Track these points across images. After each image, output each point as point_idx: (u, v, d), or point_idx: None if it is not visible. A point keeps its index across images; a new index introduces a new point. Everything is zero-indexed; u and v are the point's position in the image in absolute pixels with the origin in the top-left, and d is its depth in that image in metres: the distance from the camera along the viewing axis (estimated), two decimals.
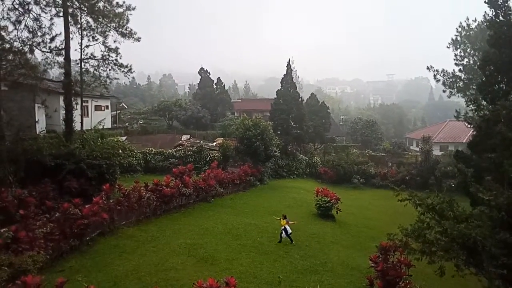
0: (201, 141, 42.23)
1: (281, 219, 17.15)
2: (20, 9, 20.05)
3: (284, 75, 42.22)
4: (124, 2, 24.39)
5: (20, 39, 20.12)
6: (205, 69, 64.46)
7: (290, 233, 16.98)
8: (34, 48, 20.77)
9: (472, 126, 18.08)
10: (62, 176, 19.19)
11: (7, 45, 19.13)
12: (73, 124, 23.31)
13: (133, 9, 24.89)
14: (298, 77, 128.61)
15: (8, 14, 19.72)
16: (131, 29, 24.99)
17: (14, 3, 19.75)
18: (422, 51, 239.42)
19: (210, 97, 62.32)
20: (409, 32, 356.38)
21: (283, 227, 16.87)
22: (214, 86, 64.39)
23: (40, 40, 21.00)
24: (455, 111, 25.18)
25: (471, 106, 18.39)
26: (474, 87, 33.48)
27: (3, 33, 18.98)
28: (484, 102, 18.60)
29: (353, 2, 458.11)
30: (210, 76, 64.94)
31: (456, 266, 10.24)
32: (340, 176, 38.93)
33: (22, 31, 20.20)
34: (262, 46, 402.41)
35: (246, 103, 76.22)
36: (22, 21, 20.20)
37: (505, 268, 9.14)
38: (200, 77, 65.12)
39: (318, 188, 24.83)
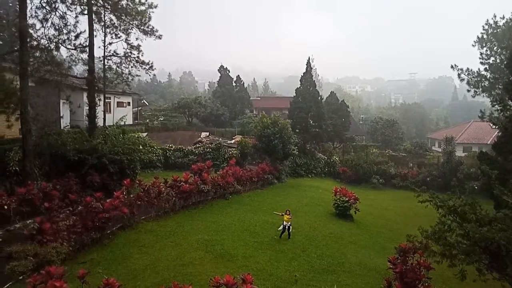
0: (220, 139, 42.50)
1: (284, 215, 17.02)
2: (47, 7, 20.63)
3: (304, 73, 41.98)
4: (146, 0, 24.81)
5: (47, 36, 20.69)
6: (224, 67, 64.77)
7: (285, 229, 16.94)
8: (60, 45, 21.32)
9: (497, 126, 17.62)
10: (85, 170, 19.70)
11: (35, 43, 19.70)
12: (96, 119, 23.90)
13: (155, 7, 25.31)
14: (318, 75, 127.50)
15: (36, 12, 20.37)
16: (153, 27, 25.43)
17: (42, 1, 20.33)
18: (447, 49, 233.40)
19: (229, 95, 62.58)
20: (434, 30, 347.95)
21: (289, 223, 16.84)
22: (234, 84, 64.61)
23: (66, 38, 21.57)
24: (479, 111, 24.52)
25: (496, 106, 17.91)
26: (500, 86, 32.56)
27: (31, 31, 19.55)
28: (510, 102, 18.04)
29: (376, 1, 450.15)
30: (229, 74, 65.20)
31: (478, 270, 9.98)
32: (359, 176, 38.47)
33: (48, 28, 20.78)
34: (281, 44, 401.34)
35: (265, 101, 76.19)
36: (49, 19, 20.77)
37: None
38: (219, 74, 65.48)
39: (337, 187, 24.61)
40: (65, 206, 15.82)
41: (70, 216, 14.41)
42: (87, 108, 23.86)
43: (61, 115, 27.59)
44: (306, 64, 41.69)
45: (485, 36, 37.41)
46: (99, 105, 24.55)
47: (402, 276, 11.15)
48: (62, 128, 26.00)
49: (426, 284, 11.03)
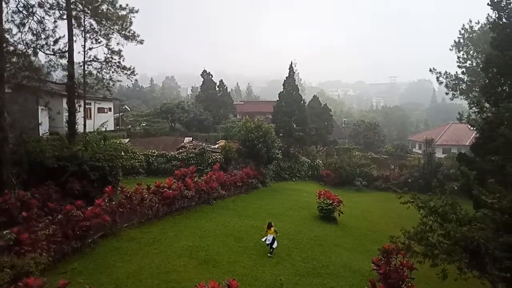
0: (204, 144, 42.27)
1: (268, 229, 15.86)
2: (24, 12, 20.14)
3: (287, 77, 42.27)
4: (127, 4, 24.62)
5: (24, 41, 20.18)
6: (207, 72, 64.63)
7: (275, 246, 15.69)
8: (38, 50, 20.83)
9: (475, 128, 18.02)
10: (64, 178, 19.23)
11: (11, 48, 19.18)
12: (76, 126, 23.39)
13: (136, 11, 25.06)
14: (301, 79, 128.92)
15: (12, 17, 19.80)
16: (134, 32, 25.18)
17: (18, 6, 19.85)
18: (425, 53, 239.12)
19: (213, 100, 62.45)
20: (412, 34, 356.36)
21: (272, 236, 15.62)
22: (217, 89, 64.52)
23: (44, 43, 21.08)
24: (458, 114, 25.13)
25: (474, 108, 18.39)
26: (477, 89, 33.46)
27: (7, 36, 19.05)
28: (487, 105, 18.55)
29: (356, 4, 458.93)
30: (212, 78, 65.07)
31: (459, 269, 10.19)
32: (342, 179, 38.86)
33: (26, 33, 20.26)
34: (264, 48, 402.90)
35: (249, 106, 76.38)
36: (26, 24, 20.27)
37: (508, 271, 9.09)
38: (202, 79, 65.28)
39: (320, 190, 24.78)
40: (44, 215, 15.36)
41: (50, 225, 13.98)
42: (67, 114, 23.36)
43: (40, 121, 26.92)
44: (289, 69, 42.00)
45: (461, 41, 38.45)
46: (79, 111, 24.06)
47: (386, 277, 11.27)
48: (41, 135, 25.34)
49: (409, 284, 11.17)
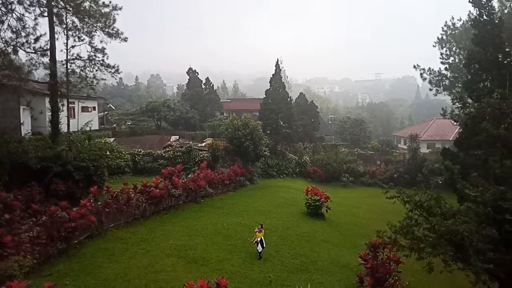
0: (190, 142, 41.96)
1: (257, 231, 15.44)
2: (2, 9, 19.70)
3: (273, 74, 42.28)
4: (110, 2, 24.18)
5: (3, 39, 19.78)
6: (193, 69, 64.03)
7: (263, 248, 15.30)
8: (18, 48, 20.40)
9: (458, 123, 18.34)
10: (48, 179, 18.89)
11: None
12: (60, 125, 22.96)
13: (120, 9, 24.65)
14: (287, 76, 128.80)
15: None
16: (118, 29, 24.76)
17: None
18: (410, 50, 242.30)
19: (199, 97, 61.97)
20: (397, 31, 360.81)
21: (259, 238, 15.21)
22: (203, 86, 64.01)
23: (24, 41, 20.64)
24: (441, 109, 25.58)
25: (457, 104, 18.69)
26: (459, 85, 34.03)
27: None
28: (469, 100, 18.94)
29: (341, 3, 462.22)
30: (198, 76, 64.50)
31: (444, 262, 10.38)
32: (329, 175, 39.16)
33: (5, 31, 19.87)
34: (251, 46, 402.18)
35: (235, 103, 76.14)
36: (5, 21, 19.84)
37: (491, 263, 9.29)
38: (188, 77, 64.70)
39: (308, 187, 24.90)
40: (28, 217, 15.10)
41: (34, 227, 13.76)
42: (50, 113, 22.91)
43: (22, 121, 26.37)
44: (275, 66, 42.02)
45: (444, 37, 39.09)
46: (62, 111, 23.59)
47: (373, 271, 11.42)
48: (23, 135, 24.84)
49: (396, 277, 11.35)
